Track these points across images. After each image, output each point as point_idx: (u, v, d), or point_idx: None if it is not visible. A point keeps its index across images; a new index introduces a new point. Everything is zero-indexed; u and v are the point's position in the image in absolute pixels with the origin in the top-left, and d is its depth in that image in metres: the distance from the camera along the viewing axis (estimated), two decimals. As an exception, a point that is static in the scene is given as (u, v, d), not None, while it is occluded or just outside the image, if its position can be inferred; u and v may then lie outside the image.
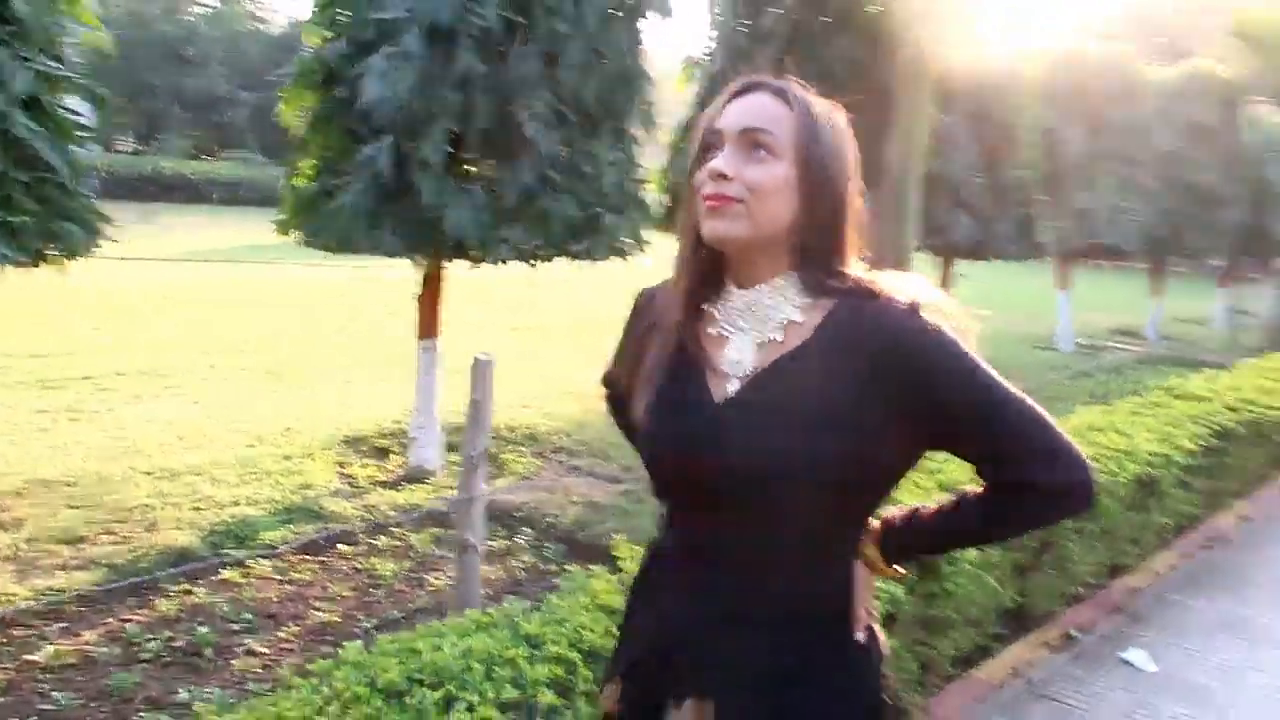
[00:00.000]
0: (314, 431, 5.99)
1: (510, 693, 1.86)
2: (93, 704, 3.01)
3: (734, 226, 1.26)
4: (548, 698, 1.88)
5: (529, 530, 4.66)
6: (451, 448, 5.77)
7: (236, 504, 4.68)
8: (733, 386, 1.29)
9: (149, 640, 3.40)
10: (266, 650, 3.43)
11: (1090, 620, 4.07)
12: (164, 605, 3.68)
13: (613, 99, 5.17)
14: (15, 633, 3.41)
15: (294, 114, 5.07)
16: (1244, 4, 16.31)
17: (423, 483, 5.23)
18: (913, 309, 1.24)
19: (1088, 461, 1.26)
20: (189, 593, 3.80)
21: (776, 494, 1.23)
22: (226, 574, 3.95)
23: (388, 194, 4.66)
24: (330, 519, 4.59)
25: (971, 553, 3.11)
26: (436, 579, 4.10)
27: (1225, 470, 5.32)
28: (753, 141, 1.26)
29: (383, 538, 4.48)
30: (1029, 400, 1.26)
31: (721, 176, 1.25)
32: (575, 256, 5.05)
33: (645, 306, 1.45)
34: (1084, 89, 12.29)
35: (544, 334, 10.36)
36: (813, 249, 1.29)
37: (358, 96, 4.58)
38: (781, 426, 1.23)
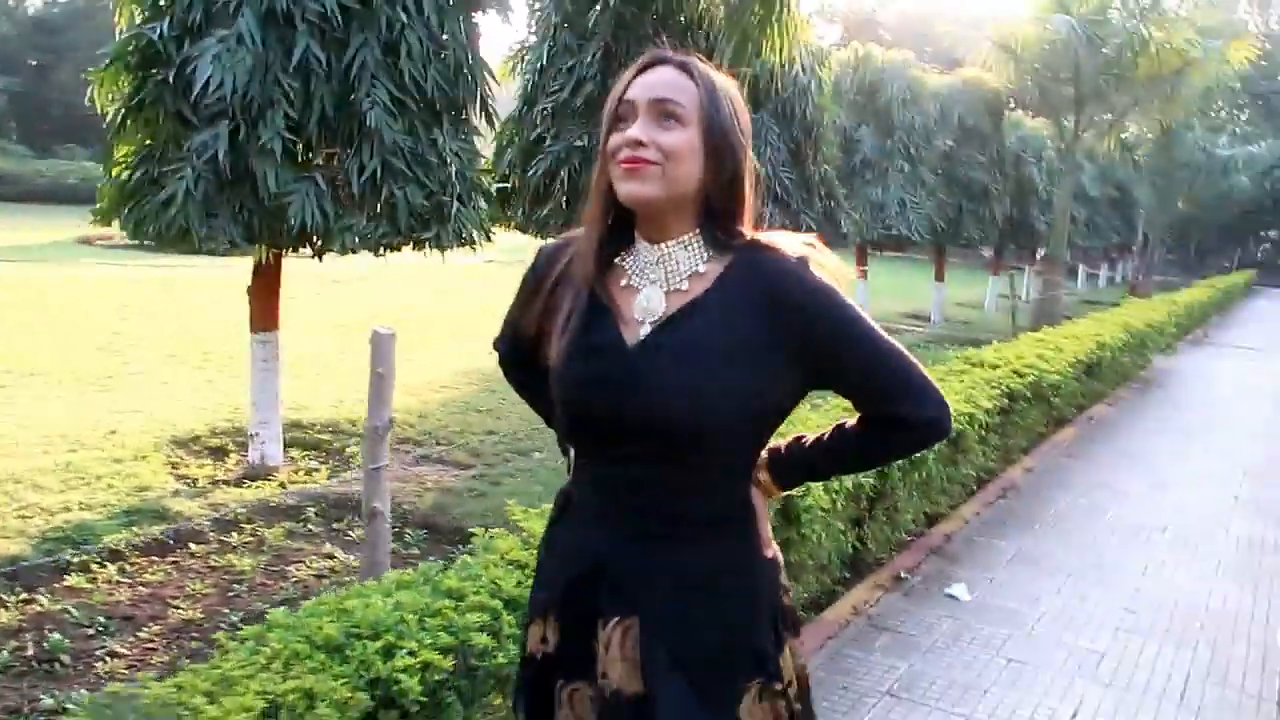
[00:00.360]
0: (140, 434, 5.67)
1: (446, 639, 1.96)
2: (-55, 718, 2.82)
3: (649, 187, 1.38)
4: (482, 640, 2.00)
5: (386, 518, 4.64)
6: (290, 444, 5.63)
7: (68, 509, 4.39)
8: (644, 331, 1.40)
9: (-5, 651, 3.19)
10: (129, 651, 3.30)
11: (915, 563, 4.55)
12: (4, 616, 3.45)
13: (454, 90, 5.21)
14: None
15: (108, 98, 4.81)
16: (1004, 19, 18.12)
17: (268, 479, 5.09)
18: (802, 263, 1.42)
19: (946, 400, 1.49)
20: (30, 601, 3.57)
21: (684, 427, 1.36)
22: (71, 579, 3.74)
23: (224, 182, 4.52)
24: (175, 519, 4.40)
25: (824, 500, 3.44)
26: (299, 570, 4.05)
27: (1014, 428, 6.03)
28: (663, 111, 1.39)
29: (235, 534, 4.35)
30: (900, 346, 1.47)
31: (638, 143, 1.38)
32: (423, 246, 5.06)
33: (546, 263, 1.55)
34: (874, 91, 13.33)
35: (366, 330, 10.12)
36: (716, 208, 1.43)
37: (188, 81, 4.41)
38: (688, 366, 1.37)
